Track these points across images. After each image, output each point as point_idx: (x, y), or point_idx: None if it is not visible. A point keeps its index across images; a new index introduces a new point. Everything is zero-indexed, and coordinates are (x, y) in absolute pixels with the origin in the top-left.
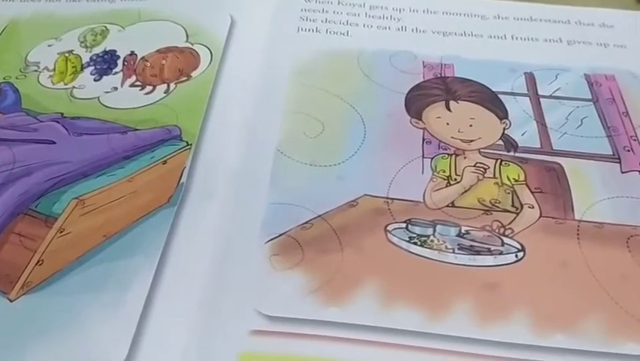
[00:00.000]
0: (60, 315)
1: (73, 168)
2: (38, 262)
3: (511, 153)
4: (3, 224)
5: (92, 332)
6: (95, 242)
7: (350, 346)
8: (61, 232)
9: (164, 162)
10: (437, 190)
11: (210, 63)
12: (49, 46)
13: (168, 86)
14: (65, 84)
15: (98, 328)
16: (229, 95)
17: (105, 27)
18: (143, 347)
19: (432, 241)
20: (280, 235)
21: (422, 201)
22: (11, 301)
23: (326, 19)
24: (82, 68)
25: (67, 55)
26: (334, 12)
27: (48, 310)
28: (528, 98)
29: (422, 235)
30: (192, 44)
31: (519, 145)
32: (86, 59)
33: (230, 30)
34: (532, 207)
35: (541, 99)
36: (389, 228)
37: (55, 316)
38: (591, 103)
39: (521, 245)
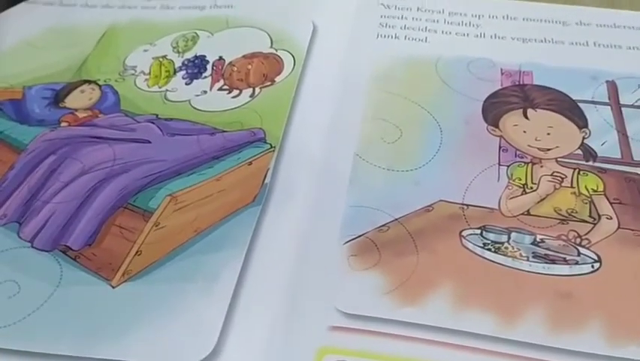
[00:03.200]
0: (156, 301)
1: (167, 167)
2: (137, 252)
3: (590, 163)
4: (105, 216)
5: (185, 319)
6: (188, 236)
7: (423, 346)
8: (157, 225)
9: (250, 163)
10: (513, 198)
11: (293, 69)
12: (144, 51)
13: (253, 90)
14: (159, 87)
15: (191, 314)
16: (311, 100)
17: (196, 33)
18: (231, 335)
19: (506, 248)
20: (358, 237)
21: (497, 208)
22: (113, 287)
23: (405, 26)
24: (174, 72)
25: (161, 60)
26: (413, 18)
27: (146, 297)
28: (609, 107)
29: (496, 242)
30: (276, 50)
31: (598, 155)
32: (178, 63)
33: (313, 37)
34: (611, 218)
35: (622, 108)
36: (464, 233)
37: (152, 301)
38: None
39: (598, 256)
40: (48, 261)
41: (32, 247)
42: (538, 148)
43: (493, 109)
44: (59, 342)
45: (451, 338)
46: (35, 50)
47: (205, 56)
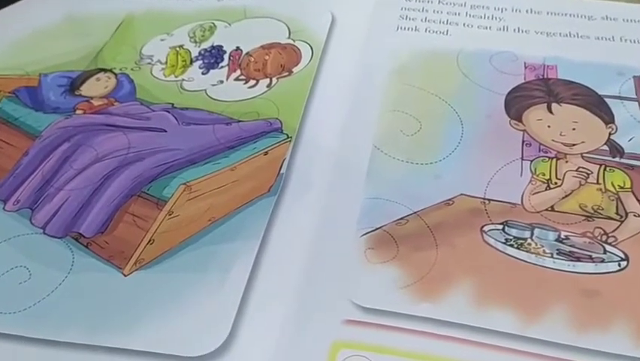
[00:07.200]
0: (169, 291)
1: (181, 156)
2: (150, 241)
3: (617, 159)
4: (119, 204)
5: (198, 309)
6: (201, 225)
7: (441, 342)
8: (170, 214)
9: (266, 153)
10: (536, 193)
11: (311, 59)
12: (161, 40)
13: (270, 80)
14: (176, 77)
15: (204, 305)
16: (328, 91)
17: (213, 23)
18: (243, 326)
19: (529, 244)
20: (376, 230)
21: (520, 203)
22: (125, 275)
23: (425, 18)
24: (191, 62)
25: (177, 49)
26: (434, 11)
27: (158, 286)
28: (637, 103)
29: (519, 238)
30: (294, 41)
31: (625, 151)
32: (195, 53)
33: (331, 28)
34: (638, 216)
35: None
36: (485, 228)
37: (164, 291)
38: None
39: (625, 254)
40: (60, 248)
41: (44, 233)
42: (562, 143)
43: (516, 103)
44: (69, 329)
45: (470, 335)
46: (52, 38)
47: (222, 46)
